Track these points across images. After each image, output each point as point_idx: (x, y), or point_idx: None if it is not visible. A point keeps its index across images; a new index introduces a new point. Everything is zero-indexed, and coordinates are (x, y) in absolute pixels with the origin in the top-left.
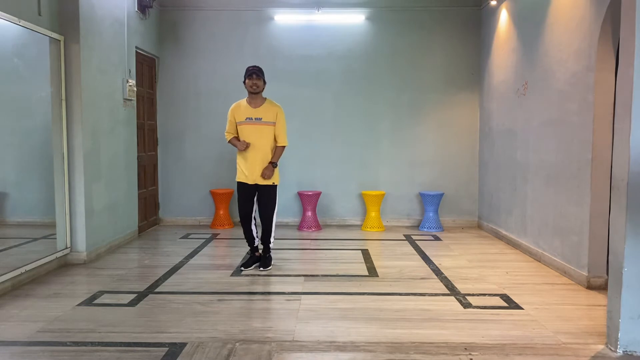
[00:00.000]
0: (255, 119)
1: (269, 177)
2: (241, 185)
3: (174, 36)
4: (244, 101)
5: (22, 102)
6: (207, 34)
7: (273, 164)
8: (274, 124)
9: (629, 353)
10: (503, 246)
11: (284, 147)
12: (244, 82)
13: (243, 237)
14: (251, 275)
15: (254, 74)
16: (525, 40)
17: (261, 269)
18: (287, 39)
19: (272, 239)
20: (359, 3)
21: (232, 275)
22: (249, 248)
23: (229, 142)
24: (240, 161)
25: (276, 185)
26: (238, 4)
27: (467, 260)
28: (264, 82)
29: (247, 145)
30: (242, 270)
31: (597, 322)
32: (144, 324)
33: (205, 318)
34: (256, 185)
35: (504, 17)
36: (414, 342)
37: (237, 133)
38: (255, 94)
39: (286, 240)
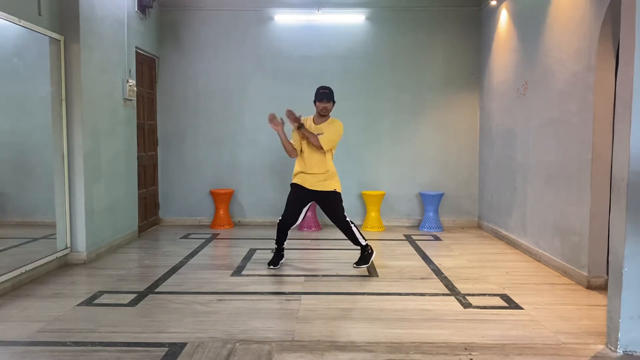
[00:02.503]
0: (318, 135)
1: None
2: (296, 187)
3: (174, 36)
4: (310, 119)
5: (22, 102)
6: (207, 34)
7: (303, 131)
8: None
9: (629, 353)
10: (503, 246)
11: (320, 145)
12: (314, 102)
13: (243, 237)
14: (251, 275)
15: (325, 98)
16: (525, 40)
17: (362, 266)
18: (287, 39)
19: (359, 237)
20: (359, 3)
21: (232, 275)
22: (248, 248)
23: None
24: (299, 170)
25: (338, 193)
26: (238, 4)
27: (467, 260)
28: (334, 103)
29: (300, 125)
30: (271, 268)
31: (597, 322)
32: (144, 324)
33: (205, 318)
34: (314, 194)
35: (504, 17)
36: (414, 342)
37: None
38: (324, 116)
39: (286, 241)
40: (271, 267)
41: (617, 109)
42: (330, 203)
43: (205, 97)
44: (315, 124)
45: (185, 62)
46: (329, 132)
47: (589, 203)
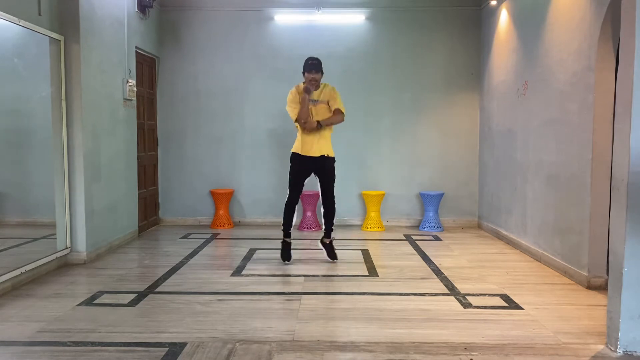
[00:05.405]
0: (314, 101)
1: (313, 123)
2: (298, 158)
3: (174, 36)
4: (301, 86)
5: (22, 102)
6: (207, 34)
7: (318, 123)
8: (327, 102)
9: (629, 353)
10: (503, 246)
11: (342, 114)
12: (303, 73)
13: (243, 237)
14: (251, 275)
15: (314, 69)
16: (525, 40)
17: (335, 260)
18: (287, 39)
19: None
20: (359, 3)
21: (232, 275)
22: (248, 248)
23: (297, 116)
24: (303, 137)
25: (334, 159)
26: (238, 4)
27: (467, 260)
28: (322, 74)
29: (310, 92)
30: (287, 264)
31: (597, 322)
32: (144, 324)
33: (205, 318)
34: (314, 161)
35: (504, 17)
36: (414, 342)
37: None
38: (313, 85)
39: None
40: (287, 262)
41: (617, 108)
42: (331, 169)
43: (205, 97)
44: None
45: (185, 62)
46: (335, 99)
47: (589, 203)
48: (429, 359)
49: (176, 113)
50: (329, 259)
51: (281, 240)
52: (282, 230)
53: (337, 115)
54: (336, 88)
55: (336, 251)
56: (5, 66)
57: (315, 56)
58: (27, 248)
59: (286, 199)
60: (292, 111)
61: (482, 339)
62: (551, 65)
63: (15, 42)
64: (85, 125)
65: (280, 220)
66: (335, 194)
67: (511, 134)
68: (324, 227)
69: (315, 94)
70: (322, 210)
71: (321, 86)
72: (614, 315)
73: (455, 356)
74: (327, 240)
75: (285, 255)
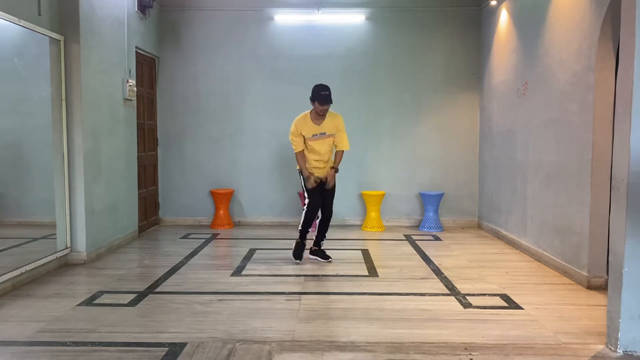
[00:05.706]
0: (320, 134)
1: (334, 182)
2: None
3: (174, 36)
4: (308, 117)
5: (22, 102)
6: (207, 34)
7: (336, 170)
8: (333, 135)
9: (629, 353)
10: (503, 246)
11: (344, 150)
12: (313, 101)
13: (243, 237)
14: (251, 275)
15: (325, 102)
16: (525, 40)
17: (330, 260)
18: (287, 39)
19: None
20: (359, 3)
21: (232, 275)
22: (248, 248)
23: (297, 155)
24: (311, 167)
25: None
26: (238, 4)
27: (467, 260)
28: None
29: (315, 183)
30: (298, 263)
31: (597, 322)
32: (144, 324)
33: (205, 318)
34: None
35: (504, 17)
36: (414, 342)
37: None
38: (321, 115)
39: (286, 240)
40: (298, 261)
41: (617, 108)
42: (333, 184)
43: (205, 97)
44: (315, 123)
45: (185, 62)
46: (341, 131)
47: (589, 203)
48: (429, 359)
49: (176, 113)
50: (325, 261)
51: (296, 241)
52: (300, 231)
53: (341, 155)
54: (338, 96)
55: (336, 251)
56: (5, 66)
57: (326, 84)
58: (27, 248)
59: (306, 206)
60: (293, 144)
61: (482, 339)
62: (551, 65)
63: (15, 42)
64: (85, 125)
65: (281, 220)
66: (335, 194)
67: (511, 134)
68: (316, 236)
69: (321, 128)
70: (319, 219)
71: (329, 117)
72: (614, 315)
73: (455, 356)
74: (315, 248)
75: (298, 254)
